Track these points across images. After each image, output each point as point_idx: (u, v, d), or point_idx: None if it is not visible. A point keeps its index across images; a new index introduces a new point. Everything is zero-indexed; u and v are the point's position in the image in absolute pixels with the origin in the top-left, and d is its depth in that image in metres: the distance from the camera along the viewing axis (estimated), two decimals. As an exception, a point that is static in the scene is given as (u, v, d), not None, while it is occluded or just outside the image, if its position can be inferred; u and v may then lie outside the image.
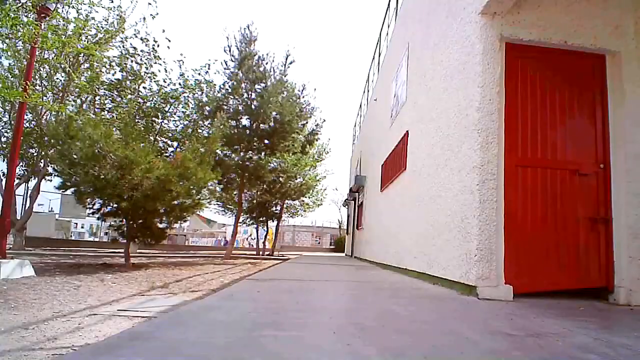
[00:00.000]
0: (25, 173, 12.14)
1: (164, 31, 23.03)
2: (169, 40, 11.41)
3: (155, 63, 10.46)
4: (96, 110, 10.34)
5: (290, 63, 12.22)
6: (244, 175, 11.73)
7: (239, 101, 11.65)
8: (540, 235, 3.31)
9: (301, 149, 13.01)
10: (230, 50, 11.67)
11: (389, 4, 10.73)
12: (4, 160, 11.52)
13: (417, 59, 6.04)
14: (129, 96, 10.06)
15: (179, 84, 10.66)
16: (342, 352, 1.49)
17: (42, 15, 5.41)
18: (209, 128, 10.50)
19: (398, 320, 2.19)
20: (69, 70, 9.54)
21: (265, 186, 12.97)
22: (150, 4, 10.04)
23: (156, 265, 7.61)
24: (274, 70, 11.99)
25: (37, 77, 9.97)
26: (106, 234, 32.71)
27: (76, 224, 54.06)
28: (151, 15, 10.19)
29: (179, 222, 9.10)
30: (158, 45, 10.45)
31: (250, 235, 30.85)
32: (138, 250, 13.02)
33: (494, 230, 3.19)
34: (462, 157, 3.63)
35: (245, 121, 11.94)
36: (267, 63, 11.88)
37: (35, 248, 13.12)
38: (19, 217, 12.08)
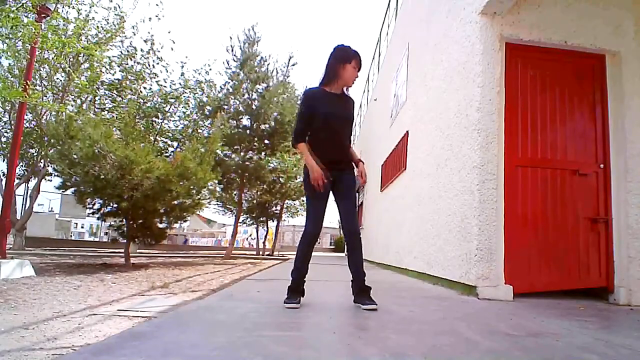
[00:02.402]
0: (25, 173, 12.15)
1: (169, 32, 23.06)
2: (173, 42, 11.46)
3: (158, 64, 10.48)
4: (96, 110, 10.35)
5: (293, 65, 12.23)
6: (244, 175, 11.74)
7: (239, 101, 11.66)
8: (540, 235, 3.31)
9: (301, 149, 13.00)
10: (232, 50, 11.69)
11: (389, 4, 10.72)
12: (4, 160, 11.52)
13: (417, 59, 6.04)
14: (129, 96, 10.07)
15: (180, 84, 10.68)
16: (342, 352, 1.49)
17: (42, 15, 5.41)
18: (210, 128, 10.51)
19: (398, 320, 2.19)
20: (69, 70, 9.55)
21: (265, 186, 12.97)
22: (157, 5, 10.09)
23: (156, 265, 7.61)
24: (276, 71, 12.01)
25: (37, 77, 9.97)
26: (106, 234, 32.69)
27: (76, 224, 54.03)
28: (157, 16, 10.23)
29: (179, 222, 9.10)
30: (162, 47, 10.48)
31: (250, 235, 30.84)
32: (138, 250, 13.02)
33: (494, 230, 3.19)
34: (462, 157, 3.63)
35: (245, 121, 11.95)
36: (269, 64, 11.90)
37: (35, 248, 13.12)
38: (19, 217, 12.09)
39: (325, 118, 2.49)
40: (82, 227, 57.87)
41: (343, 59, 2.52)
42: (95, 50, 8.40)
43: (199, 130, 10.70)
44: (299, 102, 12.65)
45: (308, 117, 2.52)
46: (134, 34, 10.46)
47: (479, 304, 2.86)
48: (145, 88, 10.47)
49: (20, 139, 6.30)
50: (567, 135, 3.48)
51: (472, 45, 3.55)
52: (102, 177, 6.04)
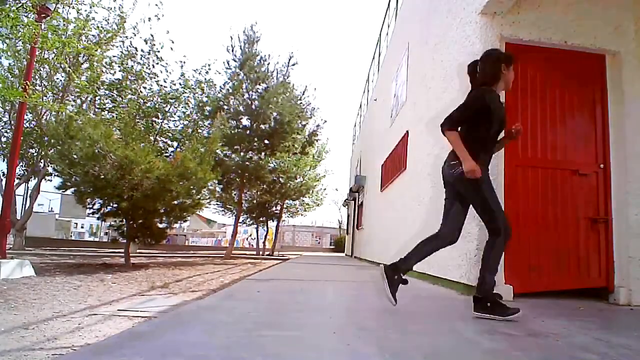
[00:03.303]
0: (25, 173, 12.13)
1: (168, 32, 22.94)
2: (172, 42, 11.42)
3: (157, 64, 10.48)
4: (96, 110, 10.34)
5: (293, 65, 12.20)
6: (244, 175, 11.72)
7: (239, 101, 11.64)
8: (541, 235, 3.31)
9: (301, 149, 13.00)
10: (232, 50, 11.66)
11: (389, 4, 10.73)
12: (4, 160, 11.51)
13: (417, 59, 6.04)
14: (129, 96, 10.07)
15: (180, 84, 10.68)
16: (342, 352, 1.49)
17: (42, 15, 5.40)
18: (209, 128, 10.51)
19: (398, 320, 2.19)
20: (69, 71, 9.54)
21: (265, 186, 12.96)
22: (157, 5, 10.09)
23: (156, 265, 7.61)
24: (276, 71, 11.99)
25: (37, 77, 9.96)
26: (106, 234, 32.66)
27: (76, 224, 54.02)
28: (156, 16, 10.25)
29: (179, 222, 9.09)
30: (162, 47, 10.47)
31: (250, 235, 30.83)
32: (138, 250, 13.01)
33: (494, 230, 3.18)
34: (462, 157, 3.63)
35: (245, 121, 11.93)
36: (269, 64, 11.88)
37: (35, 248, 13.11)
38: (19, 217, 12.07)
39: (501, 121, 2.43)
40: (82, 227, 57.86)
41: (507, 61, 2.48)
42: (96, 50, 8.40)
43: (199, 130, 10.70)
44: (299, 101, 12.67)
45: (482, 113, 2.37)
46: (135, 35, 10.41)
47: (479, 304, 2.85)
48: (145, 88, 10.48)
49: (20, 139, 6.30)
50: (567, 135, 3.48)
51: (472, 45, 3.55)
52: (102, 177, 6.04)
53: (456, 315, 2.41)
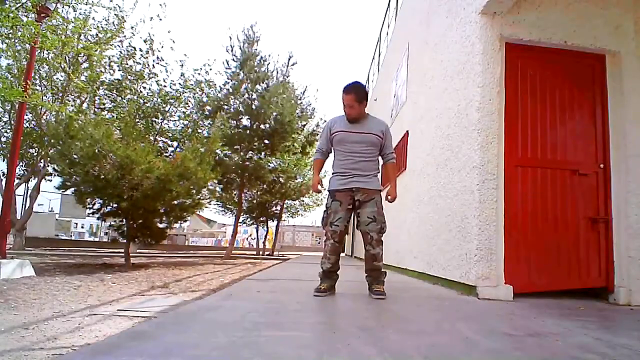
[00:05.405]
0: (25, 173, 12.13)
1: (169, 32, 22.97)
2: (173, 42, 11.39)
3: (157, 64, 10.48)
4: (96, 110, 10.33)
5: (293, 64, 12.19)
6: (244, 175, 11.72)
7: (239, 101, 11.64)
8: (540, 235, 3.31)
9: (301, 149, 13.00)
10: (232, 50, 11.65)
11: (389, 4, 10.73)
12: (4, 160, 11.50)
13: (417, 59, 6.04)
14: (129, 96, 10.06)
15: (179, 84, 10.67)
16: (342, 352, 1.49)
17: (42, 15, 5.41)
18: (209, 128, 10.50)
19: (398, 320, 2.19)
20: (68, 71, 9.53)
21: (265, 186, 12.95)
22: (161, 5, 10.10)
23: (156, 265, 7.61)
24: (276, 71, 11.99)
25: (37, 77, 9.95)
26: (106, 234, 32.69)
27: (76, 224, 54.05)
28: (158, 16, 10.26)
29: (179, 222, 9.08)
30: (162, 47, 10.47)
31: (250, 235, 30.82)
32: (138, 250, 13.00)
33: (494, 230, 3.19)
34: (462, 157, 3.63)
35: (245, 121, 11.93)
36: (269, 64, 11.87)
37: (36, 248, 13.11)
38: (19, 217, 12.07)
39: None
40: (82, 227, 57.88)
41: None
42: (95, 50, 8.40)
43: (199, 130, 10.69)
44: (299, 101, 12.67)
45: None
46: (133, 35, 10.40)
47: (479, 304, 2.86)
48: (144, 88, 10.47)
49: (20, 139, 6.30)
50: (567, 135, 3.48)
51: (472, 45, 3.55)
52: (102, 177, 6.04)
53: (456, 315, 2.41)
